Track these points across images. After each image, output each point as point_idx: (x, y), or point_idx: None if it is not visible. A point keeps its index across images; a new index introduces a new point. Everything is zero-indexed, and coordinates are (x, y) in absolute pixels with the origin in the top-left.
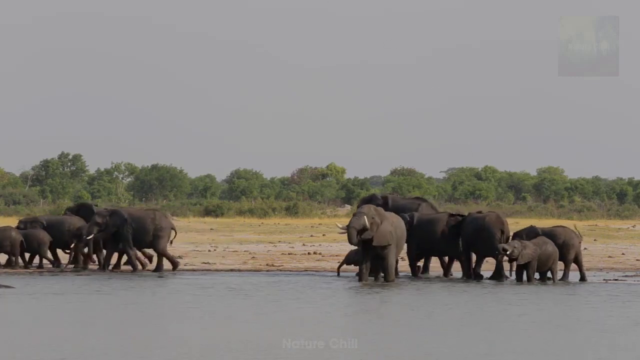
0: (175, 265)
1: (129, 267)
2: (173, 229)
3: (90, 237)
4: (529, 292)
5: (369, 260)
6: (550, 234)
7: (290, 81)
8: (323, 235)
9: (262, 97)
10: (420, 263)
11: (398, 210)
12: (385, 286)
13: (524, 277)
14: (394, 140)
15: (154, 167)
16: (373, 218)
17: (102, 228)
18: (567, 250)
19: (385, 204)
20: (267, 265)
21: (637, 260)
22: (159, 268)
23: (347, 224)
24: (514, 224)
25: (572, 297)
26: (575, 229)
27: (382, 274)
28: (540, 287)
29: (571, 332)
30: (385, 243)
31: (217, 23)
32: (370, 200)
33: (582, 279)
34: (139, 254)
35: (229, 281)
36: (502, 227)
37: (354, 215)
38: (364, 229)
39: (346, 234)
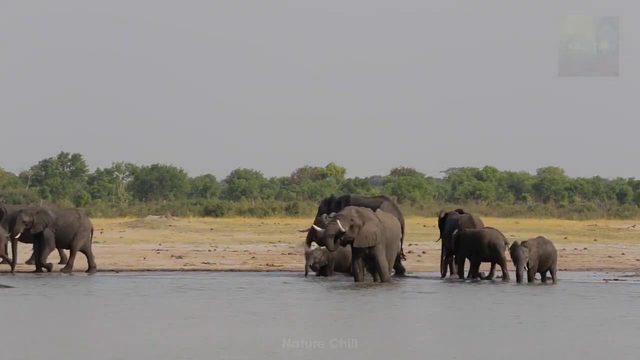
0: (93, 267)
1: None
2: (92, 229)
3: (17, 235)
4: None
5: (359, 259)
6: (477, 234)
7: (290, 81)
8: None
9: (262, 97)
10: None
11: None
12: (372, 286)
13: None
14: (394, 140)
15: (154, 167)
16: (352, 220)
17: (28, 227)
18: (494, 250)
19: (346, 204)
20: (267, 265)
21: (637, 260)
22: (69, 267)
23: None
24: (514, 224)
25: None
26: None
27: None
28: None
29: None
30: (366, 245)
31: (218, 23)
32: (329, 202)
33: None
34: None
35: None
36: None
37: (333, 219)
38: (339, 234)
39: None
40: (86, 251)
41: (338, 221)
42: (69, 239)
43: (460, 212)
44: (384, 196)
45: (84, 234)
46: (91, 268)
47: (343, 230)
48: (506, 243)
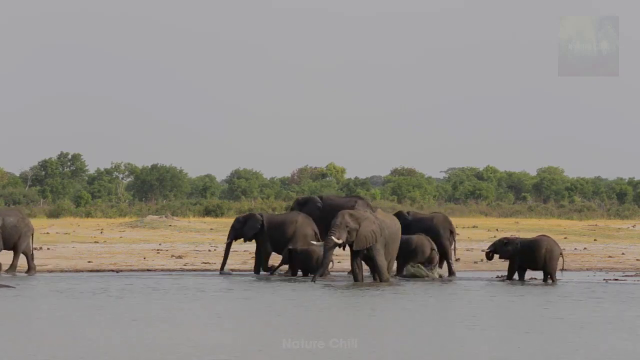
0: (32, 268)
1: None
2: (33, 231)
3: None
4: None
5: (358, 260)
6: (407, 240)
7: (290, 81)
8: None
9: (262, 97)
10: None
11: (333, 209)
12: (371, 287)
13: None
14: (394, 140)
15: (154, 167)
16: (347, 226)
17: None
18: (422, 255)
19: (320, 204)
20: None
21: (637, 260)
22: (13, 268)
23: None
24: (514, 224)
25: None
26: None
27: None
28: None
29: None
30: (365, 245)
31: (218, 23)
32: (305, 202)
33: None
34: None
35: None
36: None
37: (330, 230)
38: (335, 245)
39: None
40: (27, 252)
41: (332, 237)
42: (14, 240)
43: (406, 213)
44: (358, 195)
45: (28, 234)
46: (30, 269)
47: (340, 242)
48: (433, 249)
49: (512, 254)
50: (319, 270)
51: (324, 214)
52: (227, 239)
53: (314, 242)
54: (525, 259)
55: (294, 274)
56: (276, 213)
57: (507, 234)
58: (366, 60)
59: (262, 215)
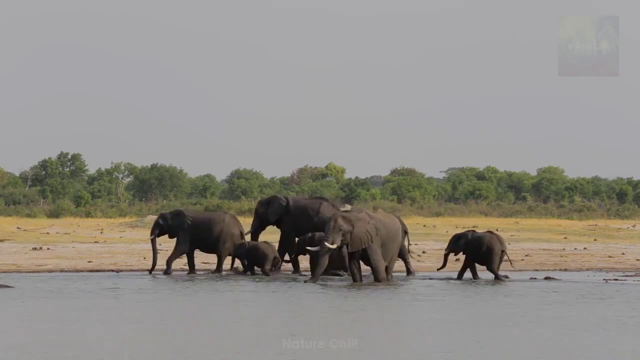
0: None
1: None
2: None
3: None
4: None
5: (356, 260)
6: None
7: (290, 81)
8: None
9: (262, 97)
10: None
11: (299, 210)
12: (368, 287)
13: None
14: (394, 140)
15: (154, 167)
16: (341, 229)
17: None
18: (340, 257)
19: (286, 205)
20: None
21: (637, 260)
22: None
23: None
24: (514, 224)
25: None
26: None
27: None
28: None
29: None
30: (360, 246)
31: (218, 23)
32: (269, 202)
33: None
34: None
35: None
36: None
37: (324, 235)
38: (329, 250)
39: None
40: None
41: (326, 242)
42: None
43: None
44: (323, 197)
45: None
46: None
47: (334, 247)
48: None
49: (464, 248)
50: (314, 276)
51: (291, 215)
52: (151, 234)
53: (311, 248)
54: (471, 252)
55: (247, 270)
56: (204, 211)
57: (507, 234)
58: (366, 60)
59: (189, 213)
